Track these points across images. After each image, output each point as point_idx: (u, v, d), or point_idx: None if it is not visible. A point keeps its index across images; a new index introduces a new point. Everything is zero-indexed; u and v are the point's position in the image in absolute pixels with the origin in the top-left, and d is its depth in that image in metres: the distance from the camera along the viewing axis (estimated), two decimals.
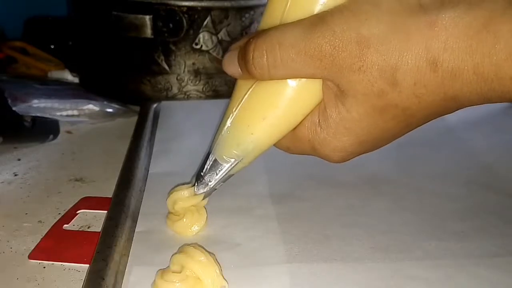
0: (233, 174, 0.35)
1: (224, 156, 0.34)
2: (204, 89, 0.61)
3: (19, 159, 0.50)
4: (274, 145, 0.34)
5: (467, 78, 0.26)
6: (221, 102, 0.54)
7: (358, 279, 0.32)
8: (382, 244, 0.36)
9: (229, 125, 0.33)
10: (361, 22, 0.27)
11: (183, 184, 0.38)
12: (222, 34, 0.58)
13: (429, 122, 0.55)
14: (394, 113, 0.29)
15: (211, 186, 0.35)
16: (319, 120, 0.31)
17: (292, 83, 0.30)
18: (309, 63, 0.29)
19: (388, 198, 0.42)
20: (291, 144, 0.33)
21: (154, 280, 0.31)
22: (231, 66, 0.32)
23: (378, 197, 0.42)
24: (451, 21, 0.26)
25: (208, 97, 0.61)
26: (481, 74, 0.26)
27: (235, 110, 0.33)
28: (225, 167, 0.34)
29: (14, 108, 0.53)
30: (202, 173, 0.35)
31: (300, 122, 0.32)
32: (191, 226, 0.37)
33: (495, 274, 0.33)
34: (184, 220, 0.37)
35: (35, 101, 0.56)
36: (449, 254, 0.35)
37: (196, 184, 0.36)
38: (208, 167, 0.35)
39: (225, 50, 0.59)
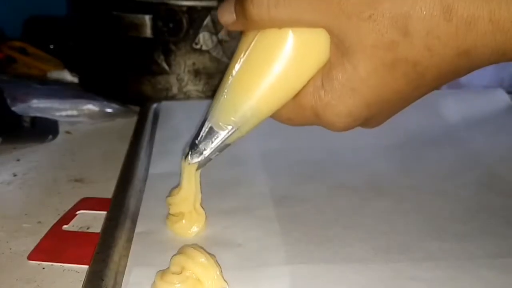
0: (229, 144, 0.33)
1: (220, 123, 0.32)
2: (204, 89, 0.61)
3: (18, 160, 0.50)
4: (275, 118, 0.32)
5: (482, 28, 0.25)
6: None
7: (359, 280, 0.32)
8: (383, 245, 0.36)
9: (227, 90, 0.31)
10: None
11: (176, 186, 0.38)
12: (222, 34, 0.58)
13: (428, 122, 0.55)
14: (404, 69, 0.27)
15: (206, 155, 0.33)
16: (322, 83, 0.29)
17: (295, 40, 0.28)
18: (315, 5, 0.26)
19: (389, 199, 0.41)
20: (292, 114, 0.31)
21: (154, 281, 0.31)
22: (226, 13, 0.30)
23: (379, 198, 0.42)
24: None
25: (208, 97, 0.61)
26: (496, 22, 0.24)
27: (233, 74, 0.30)
28: (221, 135, 0.32)
29: (13, 108, 0.53)
30: (196, 141, 0.33)
31: (302, 88, 0.30)
32: (190, 227, 0.37)
33: (497, 275, 0.32)
34: (183, 221, 0.36)
35: (35, 101, 0.56)
36: (451, 255, 0.34)
37: (189, 152, 0.34)
38: (204, 134, 0.33)
39: (225, 50, 0.59)
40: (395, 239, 0.36)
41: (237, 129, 0.32)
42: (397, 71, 0.27)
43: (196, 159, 0.34)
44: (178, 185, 0.38)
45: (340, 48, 0.28)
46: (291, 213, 0.39)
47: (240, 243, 0.36)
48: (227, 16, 0.30)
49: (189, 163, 0.34)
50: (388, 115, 0.32)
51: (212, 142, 0.33)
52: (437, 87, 0.29)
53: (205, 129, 0.33)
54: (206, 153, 0.33)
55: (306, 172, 0.45)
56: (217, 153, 0.33)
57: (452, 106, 0.57)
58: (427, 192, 0.42)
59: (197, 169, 0.35)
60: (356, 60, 0.27)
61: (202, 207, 0.38)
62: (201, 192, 0.37)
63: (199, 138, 0.33)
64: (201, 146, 0.33)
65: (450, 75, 0.28)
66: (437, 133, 0.52)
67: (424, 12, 0.25)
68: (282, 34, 0.28)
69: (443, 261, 0.34)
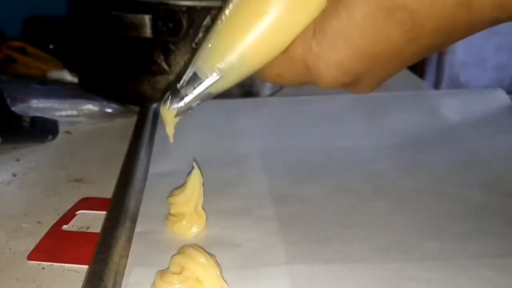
0: (212, 93, 0.31)
1: (205, 69, 0.30)
2: None
3: (18, 160, 0.50)
4: (265, 73, 0.31)
5: None
6: (221, 102, 0.54)
7: (358, 280, 0.32)
8: (382, 244, 0.36)
9: (215, 35, 0.29)
10: None
11: (180, 186, 0.38)
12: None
13: (429, 122, 0.55)
14: (402, 16, 0.26)
15: (187, 101, 0.31)
16: (315, 33, 0.28)
17: None
18: None
19: (388, 198, 0.41)
20: (282, 68, 0.30)
21: (154, 281, 0.31)
22: None
23: (378, 198, 0.42)
24: None
25: None
26: None
27: (222, 19, 0.29)
28: (204, 82, 0.30)
29: (13, 108, 0.53)
30: (178, 86, 0.31)
31: (293, 41, 0.28)
32: (190, 228, 0.37)
33: (497, 275, 0.32)
34: (183, 222, 0.36)
35: (34, 101, 0.56)
36: (450, 255, 0.34)
37: (169, 97, 0.32)
38: (186, 79, 0.31)
39: None
40: (394, 239, 0.36)
41: (222, 77, 0.30)
42: (393, 18, 0.26)
43: (176, 105, 0.32)
44: (182, 185, 0.38)
45: None
46: (290, 213, 0.39)
47: (239, 243, 0.36)
48: None
49: (168, 108, 0.32)
50: (380, 75, 0.30)
51: (194, 88, 0.31)
52: (433, 46, 0.28)
53: (188, 74, 0.31)
54: (187, 99, 0.31)
55: (305, 172, 0.45)
56: (198, 101, 0.31)
57: (452, 106, 0.57)
58: (427, 192, 0.42)
59: (175, 116, 0.33)
60: (351, 6, 0.26)
61: (203, 208, 0.38)
62: (203, 195, 0.38)
63: (181, 83, 0.31)
64: (182, 91, 0.31)
65: (448, 30, 0.27)
66: (437, 133, 0.52)
67: None
68: None
69: (443, 261, 0.34)
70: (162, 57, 0.59)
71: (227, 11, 0.29)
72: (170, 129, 0.34)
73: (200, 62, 0.30)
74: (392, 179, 0.44)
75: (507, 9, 0.25)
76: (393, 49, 0.28)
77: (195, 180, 0.37)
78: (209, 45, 0.30)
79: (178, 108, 0.32)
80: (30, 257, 0.36)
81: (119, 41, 0.59)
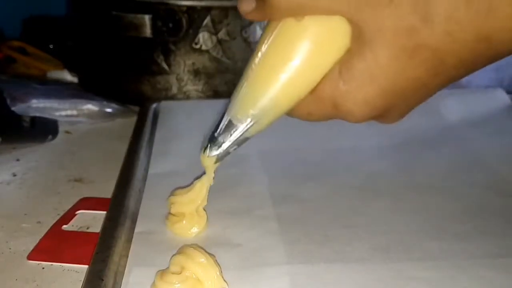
0: (248, 138, 0.33)
1: (239, 116, 0.31)
2: (204, 89, 0.61)
3: (18, 160, 0.50)
4: (295, 114, 0.32)
5: (502, 12, 0.24)
6: (221, 102, 0.54)
7: (358, 279, 0.32)
8: (382, 244, 0.36)
9: (246, 82, 0.31)
10: None
11: (184, 186, 0.38)
12: (222, 34, 0.58)
13: (428, 122, 0.55)
14: (424, 55, 0.27)
15: (225, 148, 0.33)
16: (341, 73, 0.29)
17: (314, 31, 0.28)
18: None
19: (388, 198, 0.41)
20: (311, 107, 0.31)
21: (154, 281, 0.31)
22: (246, 2, 0.30)
23: (378, 198, 0.42)
24: None
25: (208, 97, 0.61)
26: None
27: (253, 66, 0.30)
28: (240, 128, 0.32)
29: (13, 108, 0.53)
30: (215, 134, 0.33)
31: (321, 81, 0.30)
32: (191, 228, 0.37)
33: (497, 275, 0.32)
34: (184, 222, 0.36)
35: (34, 101, 0.56)
36: (450, 255, 0.34)
37: (208, 145, 0.34)
38: (223, 127, 0.32)
39: (225, 50, 0.59)
40: (394, 239, 0.36)
41: (256, 122, 0.31)
42: (417, 57, 0.27)
43: (215, 152, 0.33)
44: (187, 185, 0.38)
45: (359, 36, 0.28)
46: (290, 213, 0.39)
47: (239, 243, 0.36)
48: (247, 4, 0.30)
49: (208, 156, 0.34)
50: (407, 107, 0.31)
51: (231, 135, 0.32)
52: (457, 76, 0.29)
53: (224, 122, 0.33)
54: (225, 145, 0.33)
55: (305, 172, 0.45)
56: (235, 146, 0.33)
57: (452, 106, 0.57)
58: (427, 192, 0.42)
59: (215, 162, 0.34)
60: (375, 47, 0.27)
61: (203, 208, 0.38)
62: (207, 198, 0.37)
63: (218, 131, 0.33)
64: (220, 139, 0.33)
65: (470, 62, 0.28)
66: (437, 133, 0.52)
67: None
68: (301, 24, 0.28)
69: (443, 261, 0.34)
70: (162, 57, 0.59)
71: (256, 59, 0.30)
72: (209, 175, 0.36)
73: (234, 110, 0.32)
74: (392, 179, 0.44)
75: None
76: (418, 85, 0.28)
77: (203, 184, 0.37)
78: (242, 92, 0.31)
79: (217, 155, 0.33)
80: (30, 257, 0.36)
81: (119, 41, 0.59)
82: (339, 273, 0.33)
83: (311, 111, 0.31)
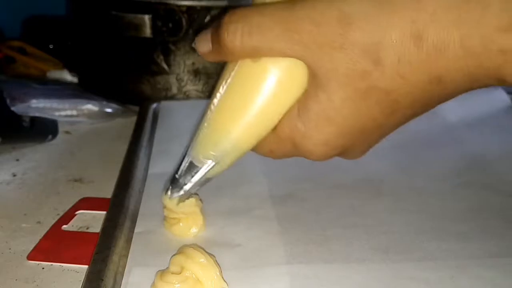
0: (210, 178, 0.33)
1: (200, 157, 0.32)
2: (203, 89, 0.61)
3: (17, 160, 0.50)
4: (258, 151, 0.32)
5: (453, 53, 0.25)
6: None
7: (358, 280, 0.32)
8: (382, 244, 0.35)
9: (206, 124, 0.31)
10: None
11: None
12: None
13: (428, 122, 0.54)
14: (378, 97, 0.27)
15: (187, 189, 0.33)
16: (299, 114, 0.29)
17: (271, 72, 0.28)
18: (288, 36, 0.27)
19: (388, 198, 0.41)
20: (273, 146, 0.32)
21: (154, 281, 0.31)
22: (203, 43, 0.30)
23: (378, 198, 0.42)
24: None
25: (208, 97, 0.61)
26: (468, 48, 0.24)
27: (211, 108, 0.31)
28: (201, 169, 0.32)
29: (12, 108, 0.53)
30: (177, 176, 0.33)
31: (280, 121, 0.30)
32: (189, 229, 0.36)
33: (497, 274, 0.32)
34: (180, 224, 0.36)
35: (34, 101, 0.56)
36: (450, 255, 0.34)
37: (170, 187, 0.34)
38: (184, 169, 0.33)
39: None
40: (394, 239, 0.36)
41: (217, 163, 0.32)
42: (370, 99, 0.27)
43: (177, 194, 0.34)
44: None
45: (314, 78, 0.28)
46: (290, 213, 0.39)
47: (239, 243, 0.36)
48: (204, 46, 0.30)
49: (169, 198, 0.34)
50: (366, 145, 0.32)
51: (192, 177, 0.33)
52: (414, 115, 0.29)
53: (185, 164, 0.33)
54: (187, 187, 0.33)
55: (305, 172, 0.45)
56: (198, 187, 0.33)
57: (452, 106, 0.57)
58: (427, 192, 0.42)
59: (177, 204, 0.35)
60: (329, 89, 0.27)
61: (201, 209, 0.38)
62: (201, 201, 0.37)
63: (179, 173, 0.33)
64: (181, 181, 0.33)
65: (424, 102, 0.28)
66: (437, 133, 0.52)
67: (395, 41, 0.25)
68: (259, 66, 0.29)
69: (443, 261, 0.34)
70: (161, 57, 0.59)
71: (215, 101, 0.30)
72: (172, 215, 0.36)
73: (195, 152, 0.32)
74: (392, 179, 0.44)
75: (478, 81, 0.26)
76: (374, 124, 0.29)
77: (171, 209, 0.36)
78: (202, 134, 0.31)
79: (179, 196, 0.34)
80: (30, 257, 0.36)
81: (119, 41, 0.59)
82: (339, 273, 0.33)
83: (272, 149, 0.32)
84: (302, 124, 0.29)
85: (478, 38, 0.24)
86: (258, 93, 0.29)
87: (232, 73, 0.30)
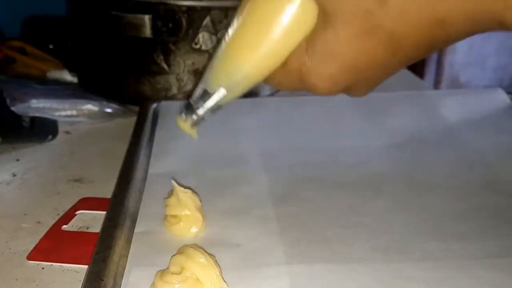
0: (222, 106, 0.35)
1: (213, 85, 0.34)
2: None
3: (17, 160, 0.50)
4: (267, 81, 0.34)
5: None
6: None
7: (358, 280, 0.32)
8: (382, 245, 0.36)
9: (220, 55, 0.33)
10: None
11: (185, 187, 0.38)
12: (221, 34, 0.58)
13: (428, 122, 0.55)
14: (381, 36, 0.28)
15: (200, 114, 0.35)
16: (307, 49, 0.31)
17: (283, 7, 0.30)
18: None
19: (388, 198, 0.41)
20: (281, 78, 0.33)
21: (154, 281, 0.31)
22: None
23: (378, 198, 0.42)
24: None
25: None
26: None
27: (226, 40, 0.32)
28: (213, 96, 0.34)
29: (12, 108, 0.53)
30: (191, 101, 0.35)
31: (289, 55, 0.31)
32: (189, 229, 0.37)
33: (496, 274, 0.32)
34: (181, 224, 0.36)
35: (34, 101, 0.56)
36: (450, 255, 0.34)
37: (184, 111, 0.36)
38: (198, 95, 0.35)
39: None
40: (394, 239, 0.36)
41: (228, 91, 0.33)
42: (374, 38, 0.29)
43: (190, 117, 0.36)
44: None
45: (323, 15, 0.29)
46: (290, 213, 0.39)
47: (239, 243, 0.36)
48: None
49: (184, 121, 0.36)
50: (371, 83, 0.33)
51: (205, 102, 0.34)
52: (416, 57, 0.30)
53: (199, 91, 0.35)
54: (200, 112, 0.35)
55: (305, 172, 0.45)
56: (210, 113, 0.35)
57: (452, 106, 0.57)
58: (427, 192, 0.42)
59: (191, 126, 0.36)
60: (336, 26, 0.29)
61: (201, 210, 0.38)
62: (200, 200, 0.38)
63: (194, 99, 0.35)
64: (195, 106, 0.35)
65: (427, 45, 0.29)
66: (437, 133, 0.52)
67: None
68: (272, 1, 0.30)
69: (443, 261, 0.34)
70: (162, 57, 0.59)
71: (230, 32, 0.32)
72: (191, 133, 0.37)
73: (209, 80, 0.34)
74: (392, 179, 0.44)
75: (479, 24, 0.27)
76: (377, 62, 0.30)
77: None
78: (216, 64, 0.33)
79: (192, 120, 0.35)
80: (30, 257, 0.36)
81: (119, 41, 0.59)
82: (339, 273, 0.33)
83: (281, 81, 0.33)
84: (309, 59, 0.31)
85: None
86: (271, 28, 0.31)
87: (247, 7, 0.31)
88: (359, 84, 0.32)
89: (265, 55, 0.31)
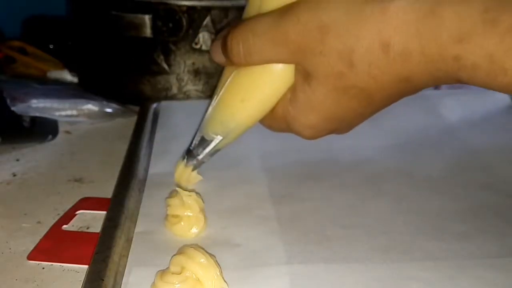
0: (219, 149, 0.40)
1: (210, 133, 0.39)
2: (204, 89, 0.61)
3: (17, 159, 0.50)
4: (260, 123, 0.38)
5: (416, 59, 0.29)
6: None
7: (358, 279, 0.32)
8: (382, 244, 0.36)
9: (214, 105, 0.37)
10: (322, 10, 0.30)
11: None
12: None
13: (429, 122, 0.55)
14: (354, 92, 0.32)
15: (200, 158, 0.40)
16: (290, 100, 0.34)
17: (267, 68, 0.34)
18: (278, 50, 0.32)
19: (388, 198, 0.41)
20: (271, 123, 0.37)
21: (154, 281, 0.31)
22: (217, 55, 0.36)
23: (378, 198, 0.42)
24: (402, 8, 0.28)
25: (208, 97, 0.61)
26: (427, 56, 0.28)
27: (219, 93, 0.37)
28: (211, 143, 0.39)
29: (12, 108, 0.53)
30: (191, 148, 0.40)
31: (276, 103, 0.35)
32: (189, 229, 0.37)
33: (496, 274, 0.32)
34: (182, 223, 0.36)
35: (34, 101, 0.56)
36: (450, 255, 0.34)
37: (186, 157, 0.41)
38: (197, 143, 0.40)
39: None
40: (394, 238, 0.36)
41: (224, 137, 0.38)
42: (348, 94, 0.32)
43: (191, 162, 0.41)
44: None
45: (302, 74, 0.33)
46: (290, 213, 0.39)
47: (239, 243, 0.36)
48: (219, 57, 0.36)
49: (185, 165, 0.41)
50: (351, 126, 0.36)
51: (204, 149, 0.40)
52: (389, 104, 0.34)
53: (197, 138, 0.40)
54: (200, 157, 0.40)
55: (305, 172, 0.45)
56: (209, 157, 0.40)
57: (452, 106, 0.57)
58: (427, 192, 0.42)
59: (192, 170, 0.41)
60: (313, 85, 0.32)
61: (204, 211, 0.38)
62: (203, 201, 0.38)
63: (193, 146, 0.40)
64: (194, 152, 0.40)
65: (398, 95, 0.32)
66: (437, 133, 0.52)
67: (366, 47, 0.29)
68: (257, 68, 0.34)
69: (443, 261, 0.34)
70: (162, 57, 0.59)
71: (223, 88, 0.37)
72: (187, 181, 0.42)
73: (205, 129, 0.39)
74: (392, 179, 0.44)
75: (441, 80, 0.30)
76: (354, 113, 0.34)
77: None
78: (211, 115, 0.38)
79: (194, 164, 0.41)
80: (30, 257, 0.36)
81: (119, 41, 0.59)
82: (339, 273, 0.33)
83: (270, 125, 0.38)
84: (292, 108, 0.35)
85: (435, 48, 0.28)
86: (256, 83, 0.35)
87: (235, 71, 0.36)
88: (341, 129, 0.36)
89: (254, 106, 0.36)
